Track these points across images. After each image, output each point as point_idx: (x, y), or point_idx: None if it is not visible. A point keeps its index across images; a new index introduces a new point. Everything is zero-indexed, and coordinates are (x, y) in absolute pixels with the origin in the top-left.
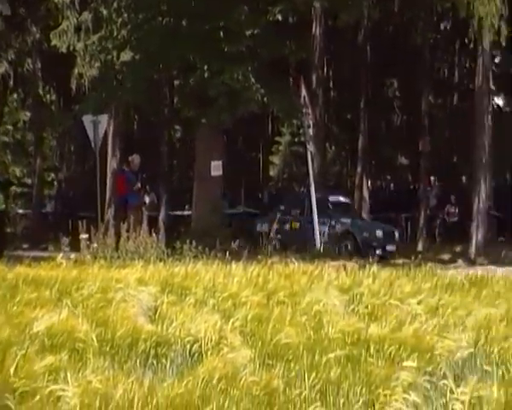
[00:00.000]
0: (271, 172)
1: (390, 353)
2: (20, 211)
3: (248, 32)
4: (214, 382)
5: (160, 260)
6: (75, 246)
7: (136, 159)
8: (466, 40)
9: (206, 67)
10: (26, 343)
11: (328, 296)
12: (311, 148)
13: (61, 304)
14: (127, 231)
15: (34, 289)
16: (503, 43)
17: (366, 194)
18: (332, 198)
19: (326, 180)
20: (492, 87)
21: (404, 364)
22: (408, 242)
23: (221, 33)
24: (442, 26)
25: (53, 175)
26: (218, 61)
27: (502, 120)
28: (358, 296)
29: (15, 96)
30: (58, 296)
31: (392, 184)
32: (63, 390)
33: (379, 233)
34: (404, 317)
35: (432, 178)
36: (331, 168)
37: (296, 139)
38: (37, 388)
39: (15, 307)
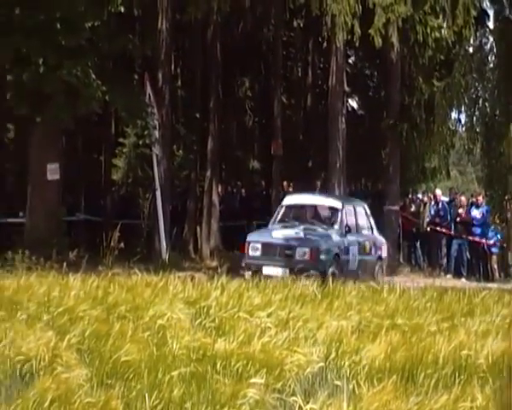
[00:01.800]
0: (115, 176)
1: (237, 369)
2: None
3: (88, 25)
4: (46, 404)
5: None
6: None
7: None
8: (320, 39)
9: (41, 61)
10: None
11: (173, 310)
12: (156, 150)
13: None
14: None
15: None
16: (357, 43)
17: (216, 200)
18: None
19: (174, 185)
20: (347, 88)
21: (252, 380)
22: None
23: (58, 25)
24: (295, 24)
25: None
26: (55, 55)
27: (356, 123)
28: (205, 309)
29: None
30: None
31: (243, 190)
32: None
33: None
34: (253, 331)
35: (285, 183)
36: (179, 172)
37: (141, 141)
38: None
39: None
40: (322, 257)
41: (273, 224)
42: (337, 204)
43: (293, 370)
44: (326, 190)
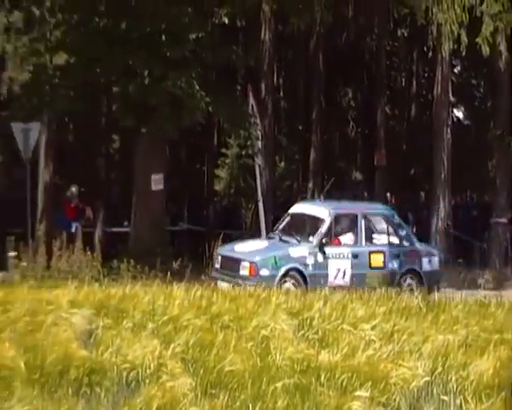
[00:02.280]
0: (217, 187)
1: (342, 381)
2: None
3: (192, 36)
4: None
5: (96, 281)
6: (2, 265)
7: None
8: (425, 48)
9: (146, 73)
10: None
11: (276, 321)
12: (259, 161)
13: None
14: (60, 248)
15: None
16: (463, 52)
17: None
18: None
19: (276, 196)
20: (452, 98)
21: (357, 393)
22: None
23: (163, 37)
24: (399, 33)
25: None
26: (160, 67)
27: (462, 133)
28: (309, 321)
29: None
30: None
31: None
32: None
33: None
34: (357, 343)
35: (388, 194)
36: (281, 183)
37: (244, 152)
38: None
39: None
40: (263, 273)
41: (272, 233)
42: (322, 214)
43: (399, 384)
44: (430, 201)
